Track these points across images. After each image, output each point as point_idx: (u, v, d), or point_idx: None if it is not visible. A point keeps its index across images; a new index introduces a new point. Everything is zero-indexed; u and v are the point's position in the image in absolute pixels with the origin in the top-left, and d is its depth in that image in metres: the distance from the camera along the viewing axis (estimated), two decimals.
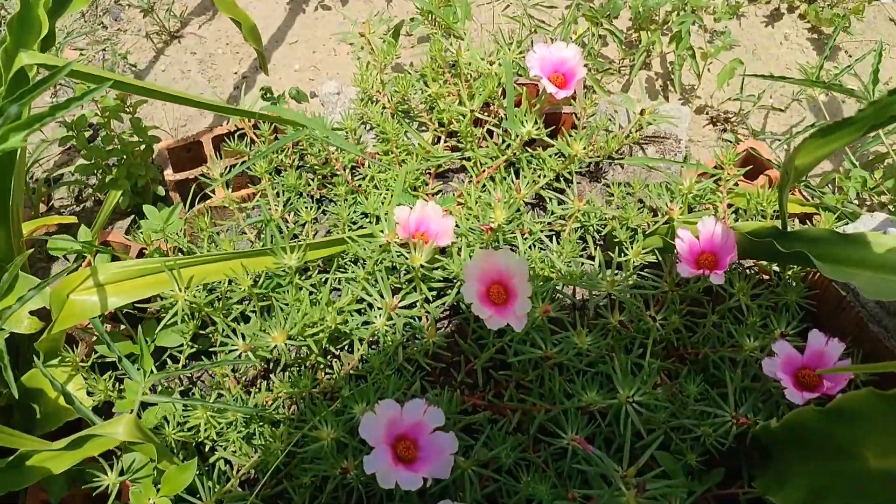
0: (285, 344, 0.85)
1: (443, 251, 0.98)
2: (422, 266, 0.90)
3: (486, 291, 0.82)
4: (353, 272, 0.97)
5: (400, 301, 0.90)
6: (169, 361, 0.97)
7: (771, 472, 0.74)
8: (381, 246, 0.91)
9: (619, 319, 0.91)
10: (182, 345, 0.95)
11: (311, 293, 0.96)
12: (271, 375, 0.99)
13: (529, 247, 1.02)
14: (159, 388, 0.97)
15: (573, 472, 0.83)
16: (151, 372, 0.79)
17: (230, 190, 1.06)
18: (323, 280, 0.99)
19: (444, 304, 0.96)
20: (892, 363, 0.57)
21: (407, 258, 0.89)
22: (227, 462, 0.92)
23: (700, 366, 0.94)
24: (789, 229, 0.90)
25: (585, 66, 1.46)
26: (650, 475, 0.74)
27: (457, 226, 1.01)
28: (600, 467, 0.76)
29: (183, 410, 0.89)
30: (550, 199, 1.08)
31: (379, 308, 0.90)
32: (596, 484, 0.79)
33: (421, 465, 0.73)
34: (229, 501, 0.83)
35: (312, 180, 1.13)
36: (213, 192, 1.06)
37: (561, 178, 1.10)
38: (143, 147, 1.43)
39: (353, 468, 0.78)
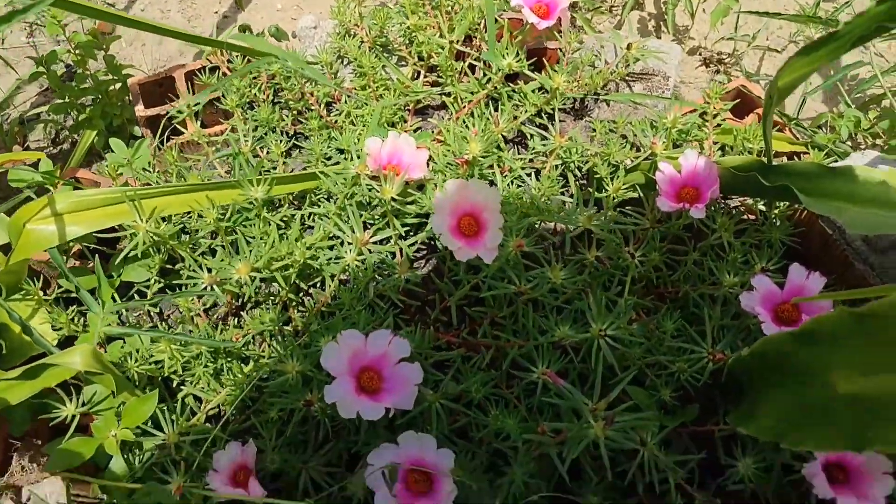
0: (251, 277, 0.83)
1: (421, 188, 0.96)
2: (394, 200, 0.87)
3: (457, 224, 0.79)
4: (325, 207, 0.94)
5: (372, 236, 0.88)
6: (136, 297, 0.95)
7: (744, 405, 0.72)
8: (351, 178, 0.88)
9: (597, 255, 0.88)
10: (149, 280, 0.93)
11: (281, 229, 0.93)
12: (242, 313, 0.97)
13: (508, 184, 0.99)
14: (127, 324, 0.95)
15: (545, 407, 0.81)
16: (114, 300, 0.77)
17: (199, 122, 1.02)
18: (293, 215, 0.96)
19: (418, 241, 0.93)
20: (870, 289, 0.54)
21: (378, 191, 0.86)
22: (197, 399, 0.90)
23: (679, 304, 0.92)
24: (776, 164, 0.87)
25: (575, 4, 1.41)
26: (620, 408, 0.72)
27: (434, 161, 0.97)
28: (571, 401, 0.74)
29: (150, 343, 0.87)
30: (532, 135, 1.04)
31: (349, 243, 0.87)
32: (567, 418, 0.77)
33: (384, 396, 0.71)
34: (195, 433, 0.82)
35: (287, 116, 1.10)
36: (183, 125, 1.02)
37: (543, 115, 1.06)
38: (118, 86, 1.39)
39: (318, 400, 0.77)
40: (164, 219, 0.93)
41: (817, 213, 0.96)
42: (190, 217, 0.95)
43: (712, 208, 0.94)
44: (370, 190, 0.89)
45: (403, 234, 0.92)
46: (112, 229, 0.91)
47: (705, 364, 0.81)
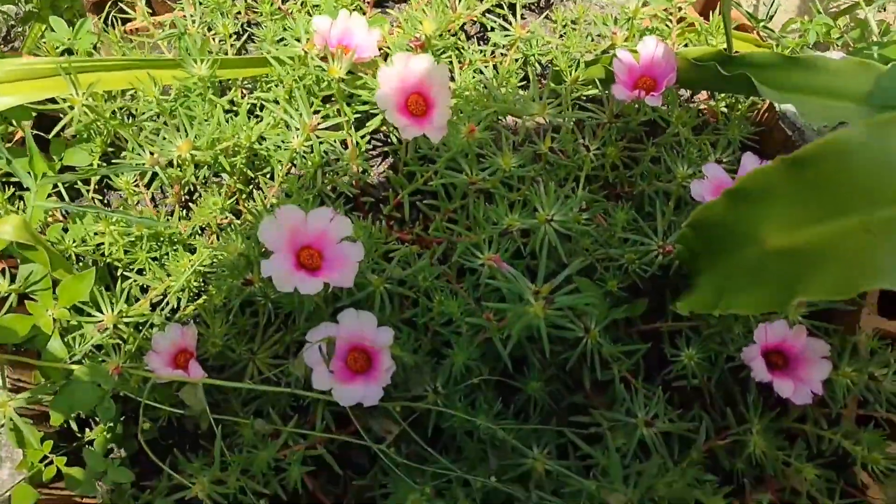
0: (193, 157, 0.80)
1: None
2: (344, 83, 0.84)
3: (405, 102, 0.77)
4: (274, 93, 0.90)
5: (320, 123, 0.85)
6: (80, 184, 0.92)
7: (687, 289, 0.72)
8: (299, 58, 0.84)
9: (551, 147, 0.86)
10: (91, 164, 0.90)
11: (228, 113, 0.90)
12: (190, 205, 0.94)
13: (468, 78, 0.96)
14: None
15: (490, 296, 0.80)
16: (44, 176, 0.74)
17: (145, 2, 0.97)
18: (242, 103, 0.93)
19: (370, 129, 0.91)
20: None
21: (327, 72, 0.83)
22: (143, 290, 0.88)
23: (635, 203, 0.91)
24: (736, 54, 0.84)
25: None
26: (563, 291, 0.71)
27: (389, 49, 0.94)
28: (515, 286, 0.73)
29: (93, 224, 0.85)
30: (493, 28, 1.01)
31: (297, 129, 0.85)
32: (512, 302, 0.76)
33: (324, 273, 0.69)
34: (138, 317, 0.80)
35: (239, 4, 1.05)
36: (132, 7, 0.97)
37: (505, 6, 1.02)
38: None
39: (258, 280, 0.75)
40: (107, 101, 0.89)
41: (778, 115, 0.94)
42: (135, 101, 0.92)
43: (670, 104, 0.92)
44: (319, 70, 0.85)
45: (354, 123, 0.90)
46: (55, 115, 0.87)
47: (655, 257, 0.80)
